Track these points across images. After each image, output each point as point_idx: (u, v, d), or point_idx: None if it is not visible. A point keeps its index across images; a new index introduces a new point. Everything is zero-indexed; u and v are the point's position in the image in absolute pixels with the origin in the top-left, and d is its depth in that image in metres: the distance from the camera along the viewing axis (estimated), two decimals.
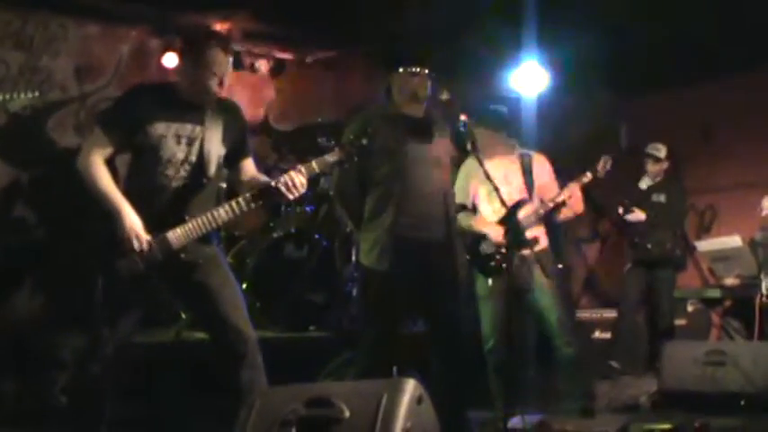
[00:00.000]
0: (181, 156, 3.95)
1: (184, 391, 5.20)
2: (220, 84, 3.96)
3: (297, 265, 6.58)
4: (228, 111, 4.12)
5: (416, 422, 3.01)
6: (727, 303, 7.60)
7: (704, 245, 8.04)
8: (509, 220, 5.42)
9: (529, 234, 5.47)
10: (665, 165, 7.88)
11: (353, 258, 6.75)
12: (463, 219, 5.66)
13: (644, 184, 7.95)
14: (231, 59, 4.01)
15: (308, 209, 7.21)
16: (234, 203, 3.95)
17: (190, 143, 3.96)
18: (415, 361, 5.11)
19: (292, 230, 6.82)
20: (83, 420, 3.90)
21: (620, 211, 7.79)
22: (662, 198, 7.84)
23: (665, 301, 7.76)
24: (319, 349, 5.92)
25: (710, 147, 9.37)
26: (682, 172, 9.41)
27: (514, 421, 4.70)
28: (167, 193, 3.94)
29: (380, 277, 4.69)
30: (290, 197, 3.96)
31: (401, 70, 4.81)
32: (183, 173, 3.96)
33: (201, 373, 4.79)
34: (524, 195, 5.63)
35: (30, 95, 4.63)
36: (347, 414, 3.00)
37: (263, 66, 8.30)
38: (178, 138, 3.94)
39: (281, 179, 3.93)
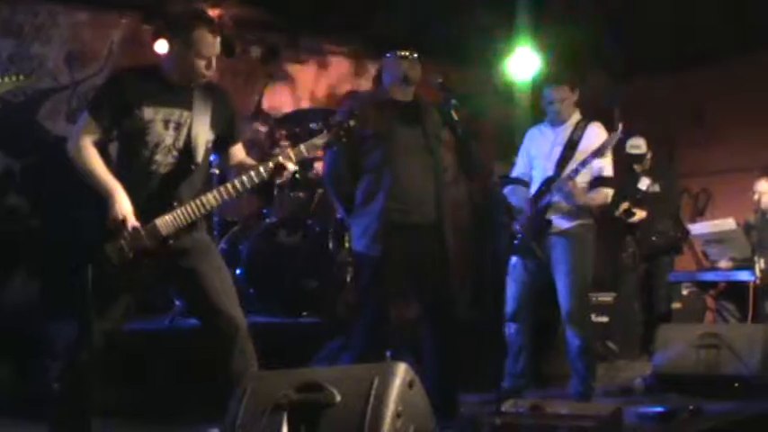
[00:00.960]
0: (169, 141, 3.92)
1: (179, 378, 5.20)
2: (208, 66, 3.92)
3: (290, 250, 6.56)
4: (217, 96, 4.08)
5: (408, 406, 3.01)
6: (722, 286, 7.60)
7: (698, 228, 8.05)
8: (537, 199, 5.45)
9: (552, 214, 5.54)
10: (649, 155, 7.85)
11: (347, 244, 6.74)
12: (510, 194, 5.69)
13: (642, 185, 7.83)
14: (219, 40, 3.94)
15: (301, 195, 7.20)
16: (223, 189, 3.93)
17: (178, 128, 3.93)
18: (408, 345, 5.13)
19: (286, 216, 6.81)
20: (72, 408, 3.90)
21: (622, 212, 7.72)
22: (656, 188, 7.82)
23: (663, 284, 7.77)
24: (313, 335, 5.90)
25: (704, 130, 9.37)
26: (675, 155, 9.43)
27: (508, 404, 4.69)
28: (156, 178, 3.91)
29: (372, 262, 4.70)
30: (280, 179, 3.97)
31: (392, 55, 4.80)
32: (171, 159, 3.93)
33: (196, 360, 4.78)
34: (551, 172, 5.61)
35: (14, 79, 4.60)
36: (338, 398, 3.00)
37: (255, 52, 8.27)
38: (166, 123, 3.91)
39: (270, 165, 3.92)
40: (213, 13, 7.29)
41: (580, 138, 5.63)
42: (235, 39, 7.96)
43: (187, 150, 3.94)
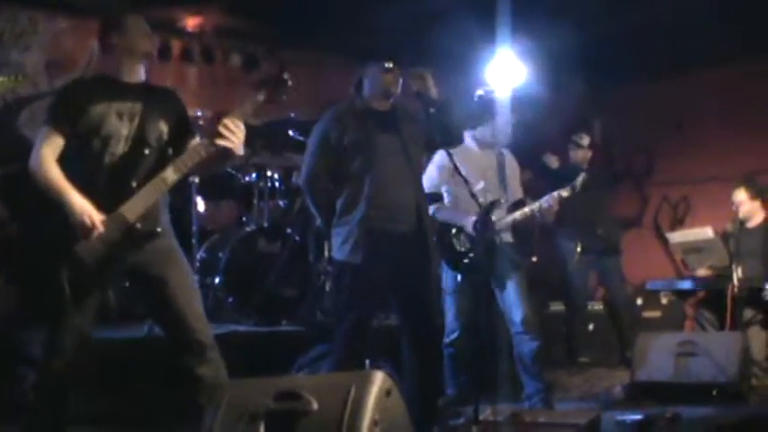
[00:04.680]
0: (124, 132, 3.94)
1: (155, 386, 5.18)
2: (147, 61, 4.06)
3: (269, 259, 6.55)
4: (163, 92, 4.18)
5: (385, 414, 3.01)
6: (700, 295, 7.63)
7: (676, 236, 8.10)
8: (483, 217, 5.46)
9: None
10: (588, 153, 7.86)
11: (326, 253, 6.74)
12: (439, 211, 5.70)
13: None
14: (154, 39, 4.13)
15: (281, 203, 7.20)
16: (179, 162, 3.90)
17: (131, 118, 3.96)
18: (388, 354, 5.13)
19: (265, 225, 6.81)
20: (45, 416, 3.88)
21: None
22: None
23: (619, 291, 7.79)
24: (292, 343, 5.90)
25: (684, 139, 9.41)
26: (655, 164, 9.49)
27: (486, 413, 4.69)
28: (114, 169, 3.91)
29: (353, 270, 4.68)
30: (232, 144, 3.85)
31: (374, 65, 4.80)
32: (126, 148, 3.94)
33: (172, 368, 4.76)
34: (500, 194, 5.67)
35: (12, 79, 4.59)
36: (315, 407, 3.00)
37: (235, 60, 8.27)
38: (120, 114, 3.94)
39: (218, 130, 3.87)
40: (193, 21, 7.30)
41: (504, 163, 5.94)
42: (215, 47, 7.98)
43: (141, 137, 3.96)
